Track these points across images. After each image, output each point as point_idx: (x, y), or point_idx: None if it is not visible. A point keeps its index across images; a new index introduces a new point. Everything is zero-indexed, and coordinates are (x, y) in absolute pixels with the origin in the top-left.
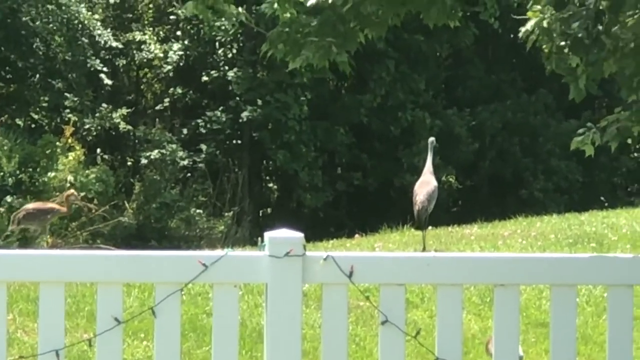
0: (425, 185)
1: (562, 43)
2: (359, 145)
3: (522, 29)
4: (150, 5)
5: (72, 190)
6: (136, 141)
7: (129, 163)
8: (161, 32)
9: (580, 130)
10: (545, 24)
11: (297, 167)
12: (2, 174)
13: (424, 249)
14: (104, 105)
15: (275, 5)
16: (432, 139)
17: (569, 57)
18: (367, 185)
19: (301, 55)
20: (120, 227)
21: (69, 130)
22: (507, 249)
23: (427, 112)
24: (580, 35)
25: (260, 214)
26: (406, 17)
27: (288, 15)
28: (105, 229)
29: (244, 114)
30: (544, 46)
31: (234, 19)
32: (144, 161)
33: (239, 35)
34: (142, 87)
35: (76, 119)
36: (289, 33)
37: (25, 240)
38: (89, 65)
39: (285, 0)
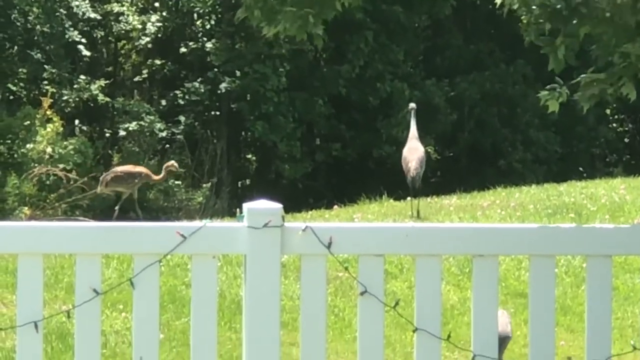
0: (415, 152)
1: (541, 14)
2: (337, 116)
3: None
4: None
5: (173, 162)
6: (114, 113)
7: (108, 135)
8: (139, 4)
9: (548, 87)
10: None
11: (276, 138)
12: None
13: (418, 216)
14: (82, 76)
15: None
16: (412, 104)
17: (547, 29)
18: (345, 156)
19: (278, 25)
20: (99, 199)
21: (47, 102)
22: (486, 219)
23: (405, 82)
24: (558, 6)
25: (239, 185)
26: None
27: None
28: (83, 200)
29: (223, 86)
30: (522, 17)
31: None
32: (122, 133)
33: (217, 7)
34: (120, 58)
35: (54, 91)
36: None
37: (3, 212)
38: (67, 36)
39: None
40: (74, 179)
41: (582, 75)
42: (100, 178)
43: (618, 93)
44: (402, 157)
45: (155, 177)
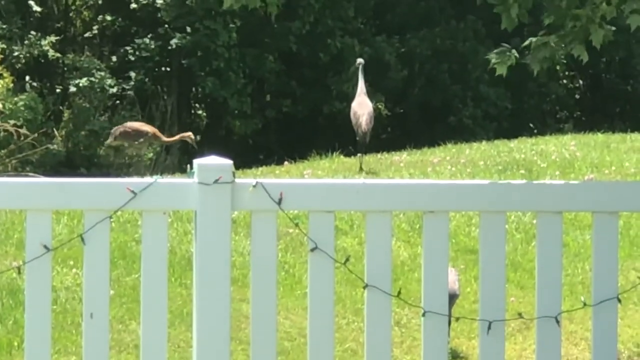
0: (365, 107)
1: None
2: (288, 72)
3: None
4: None
5: (190, 134)
6: (65, 69)
7: (58, 90)
8: None
9: (497, 50)
10: None
11: (226, 94)
12: None
13: (367, 172)
14: (33, 32)
15: None
16: (360, 60)
17: None
18: (296, 112)
19: None
20: (49, 155)
21: None
22: (437, 176)
23: (356, 39)
24: None
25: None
26: None
27: None
28: (34, 156)
29: (173, 41)
30: None
31: None
32: (73, 89)
33: None
34: (71, 14)
35: (4, 47)
36: None
37: None
38: None
39: None
40: (24, 135)
41: (532, 39)
42: (112, 130)
43: (569, 54)
44: (352, 111)
45: (165, 139)
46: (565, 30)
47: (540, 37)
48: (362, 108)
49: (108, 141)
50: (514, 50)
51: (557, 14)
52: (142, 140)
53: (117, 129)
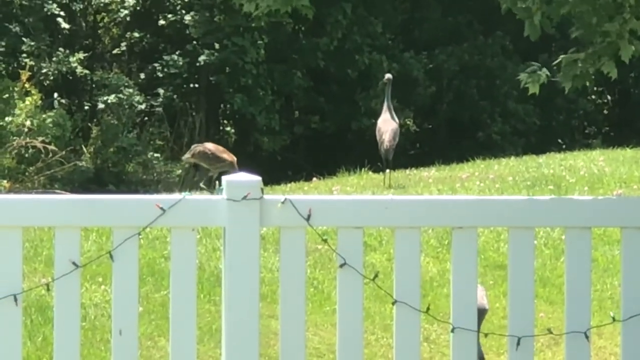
0: (389, 123)
1: None
2: (316, 88)
3: None
4: None
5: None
6: (93, 85)
7: (86, 107)
8: None
9: (529, 69)
10: None
11: (255, 111)
12: None
13: (390, 186)
14: (61, 49)
15: None
16: (388, 75)
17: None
18: (324, 128)
19: (263, 2)
20: (78, 172)
21: (25, 75)
22: (465, 191)
23: (384, 55)
24: None
25: None
26: None
27: None
28: (62, 173)
29: (201, 58)
30: None
31: None
32: (101, 105)
33: None
34: (99, 31)
35: (33, 64)
36: None
37: None
38: (45, 9)
39: None
40: (52, 152)
41: (563, 56)
42: (194, 145)
43: (598, 70)
44: (377, 128)
45: (232, 169)
46: (595, 46)
47: (571, 55)
48: (386, 125)
49: (186, 156)
50: (544, 69)
51: (586, 30)
52: (219, 165)
53: (197, 148)
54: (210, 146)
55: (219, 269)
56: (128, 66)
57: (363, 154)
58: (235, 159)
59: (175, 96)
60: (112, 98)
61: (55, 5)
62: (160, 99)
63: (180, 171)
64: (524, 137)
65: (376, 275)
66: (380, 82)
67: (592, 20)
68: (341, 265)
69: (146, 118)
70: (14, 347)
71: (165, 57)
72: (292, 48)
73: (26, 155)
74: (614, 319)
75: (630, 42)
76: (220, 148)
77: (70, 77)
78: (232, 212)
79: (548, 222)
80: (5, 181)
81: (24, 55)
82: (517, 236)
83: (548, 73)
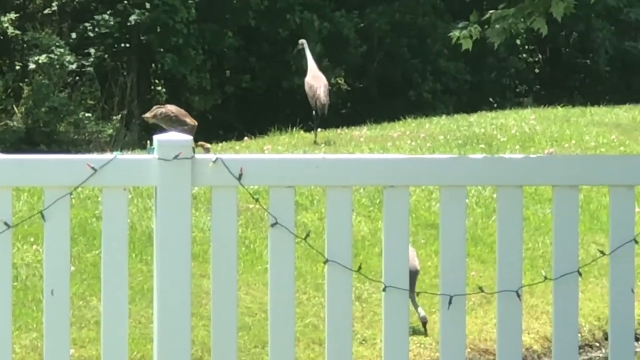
0: (320, 80)
1: None
2: (247, 47)
3: None
4: None
5: (209, 146)
6: (24, 45)
7: (17, 67)
8: None
9: (461, 25)
10: None
11: (185, 71)
12: None
13: (319, 143)
14: None
15: None
16: (301, 40)
17: None
18: (255, 87)
19: None
20: (9, 132)
21: None
22: (397, 150)
23: (315, 14)
24: None
25: None
26: None
27: None
28: None
29: (132, 18)
30: None
31: None
32: (32, 66)
33: None
34: None
35: None
36: None
37: None
38: None
39: None
40: None
41: (492, 11)
42: (156, 106)
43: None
44: (307, 85)
45: (191, 134)
46: (526, 2)
47: (500, 10)
48: (317, 81)
49: (147, 115)
50: (476, 25)
51: None
52: (180, 129)
53: (159, 109)
54: (172, 108)
55: (151, 228)
56: (59, 26)
57: (294, 113)
58: (196, 123)
59: (106, 56)
60: (43, 58)
61: None
62: (92, 59)
63: (111, 131)
64: (455, 96)
65: (308, 235)
66: (295, 49)
67: None
68: (272, 225)
69: (77, 78)
70: None
71: (97, 17)
72: (223, 7)
73: None
74: (545, 278)
75: None
76: (183, 111)
77: (2, 37)
78: (163, 171)
79: (479, 180)
80: None
81: None
82: (448, 195)
83: (480, 29)
